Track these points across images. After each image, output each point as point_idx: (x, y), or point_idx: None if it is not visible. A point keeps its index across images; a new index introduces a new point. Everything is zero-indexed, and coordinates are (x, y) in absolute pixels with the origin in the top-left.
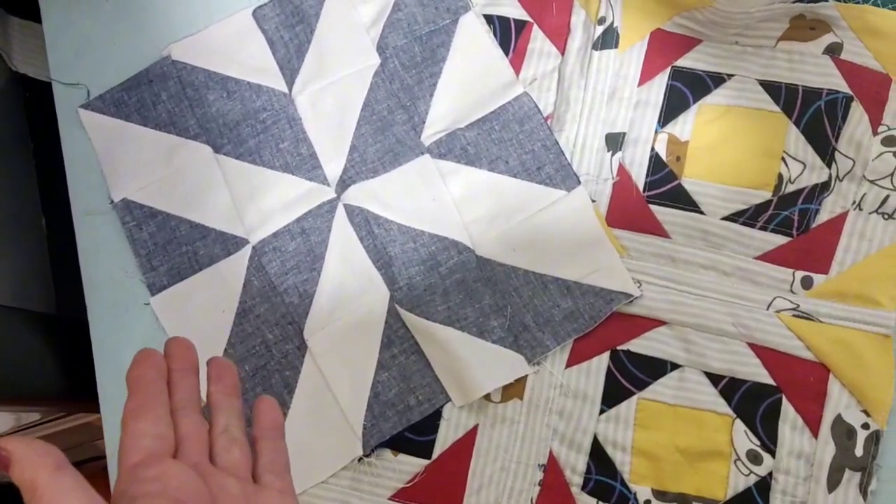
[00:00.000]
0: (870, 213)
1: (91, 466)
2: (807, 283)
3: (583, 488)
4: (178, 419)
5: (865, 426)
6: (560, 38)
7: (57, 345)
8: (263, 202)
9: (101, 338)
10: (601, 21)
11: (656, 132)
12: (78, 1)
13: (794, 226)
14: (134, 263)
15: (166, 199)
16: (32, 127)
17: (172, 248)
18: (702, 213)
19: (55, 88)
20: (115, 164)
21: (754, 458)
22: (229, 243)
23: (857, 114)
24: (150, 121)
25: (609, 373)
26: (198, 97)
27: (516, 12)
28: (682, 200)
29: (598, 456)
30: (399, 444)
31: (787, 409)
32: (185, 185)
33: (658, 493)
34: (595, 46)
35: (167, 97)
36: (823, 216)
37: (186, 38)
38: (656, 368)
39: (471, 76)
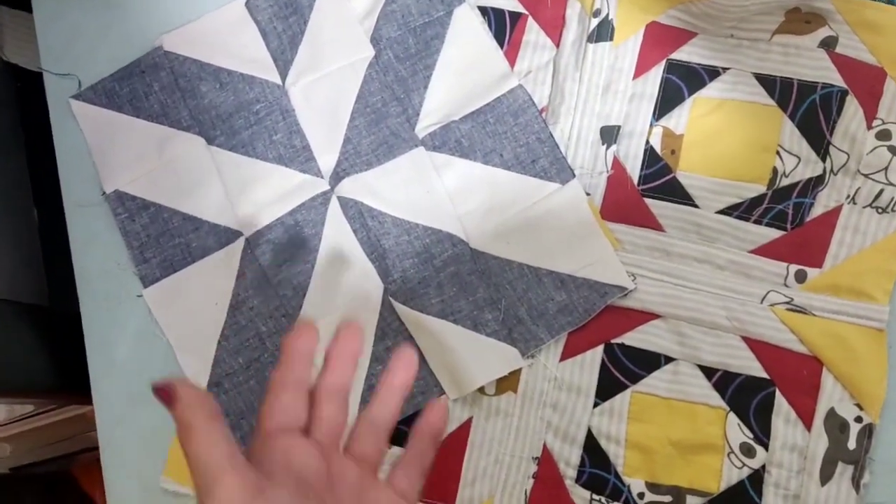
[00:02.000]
0: (864, 207)
1: (84, 457)
2: (801, 277)
3: (577, 481)
4: (322, 401)
5: (858, 419)
6: (555, 30)
7: (49, 337)
8: (257, 194)
9: (94, 330)
10: (596, 13)
11: (651, 125)
12: None
13: (788, 219)
14: (126, 255)
15: (159, 191)
16: (24, 118)
17: (165, 239)
18: (696, 206)
19: (46, 79)
20: (107, 156)
21: (747, 451)
22: (222, 235)
23: (852, 108)
24: (142, 112)
25: (603, 366)
26: (190, 88)
27: (511, 4)
28: (677, 194)
29: (592, 449)
30: (393, 436)
31: (781, 403)
32: (177, 176)
33: (651, 486)
34: (590, 39)
35: (159, 88)
36: (818, 210)
37: (179, 28)
38: (650, 362)
39: (465, 68)
